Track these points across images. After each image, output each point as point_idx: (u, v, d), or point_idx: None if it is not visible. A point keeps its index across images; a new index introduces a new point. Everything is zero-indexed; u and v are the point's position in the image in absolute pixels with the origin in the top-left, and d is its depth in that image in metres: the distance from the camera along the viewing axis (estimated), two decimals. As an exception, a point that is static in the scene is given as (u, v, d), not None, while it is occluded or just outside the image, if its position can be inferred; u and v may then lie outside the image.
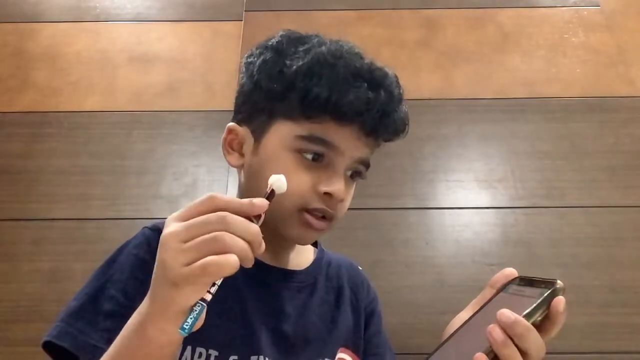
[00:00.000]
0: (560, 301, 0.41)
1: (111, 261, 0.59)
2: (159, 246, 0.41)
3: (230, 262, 0.38)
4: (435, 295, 1.06)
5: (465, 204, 1.16)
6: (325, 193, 0.58)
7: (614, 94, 1.28)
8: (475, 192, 1.18)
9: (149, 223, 0.68)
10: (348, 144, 0.59)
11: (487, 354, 0.40)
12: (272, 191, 0.44)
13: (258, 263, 0.63)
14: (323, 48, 0.60)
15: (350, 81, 0.58)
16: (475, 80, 1.31)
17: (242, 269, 0.62)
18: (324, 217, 0.60)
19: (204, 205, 0.40)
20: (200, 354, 0.56)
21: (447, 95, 1.29)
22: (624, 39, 1.36)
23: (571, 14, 1.41)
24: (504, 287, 0.48)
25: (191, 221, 0.39)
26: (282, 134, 0.59)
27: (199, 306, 0.39)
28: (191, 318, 0.39)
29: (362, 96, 0.57)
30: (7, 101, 1.28)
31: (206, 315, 0.56)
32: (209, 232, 0.38)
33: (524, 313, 0.40)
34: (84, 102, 1.27)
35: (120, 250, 0.60)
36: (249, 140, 0.62)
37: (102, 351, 0.49)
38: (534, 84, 1.30)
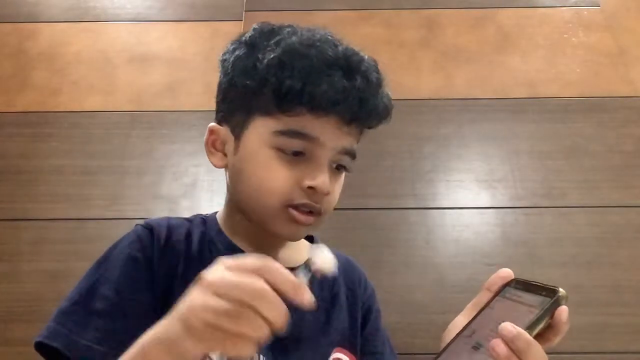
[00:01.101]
0: (563, 311, 0.41)
1: (103, 260, 0.58)
2: (196, 282, 0.40)
3: (244, 353, 0.38)
4: (435, 295, 1.06)
5: (465, 204, 1.16)
6: (310, 187, 0.57)
7: (614, 94, 1.28)
8: (475, 192, 1.18)
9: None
10: (328, 135, 0.57)
11: None
12: (311, 268, 0.41)
13: None
14: (294, 38, 0.58)
15: (324, 70, 0.56)
16: (475, 80, 1.31)
17: None
18: (311, 211, 0.59)
19: (256, 266, 0.39)
20: None
21: (447, 95, 1.29)
22: (624, 39, 1.36)
23: (571, 14, 1.41)
24: (500, 290, 0.47)
25: (235, 279, 0.38)
26: (260, 130, 0.58)
27: None
28: None
29: (337, 85, 0.56)
30: (7, 101, 1.28)
31: None
32: (243, 300, 0.37)
33: (527, 325, 0.39)
34: (84, 102, 1.27)
35: (112, 249, 0.59)
36: (230, 139, 0.61)
37: (95, 351, 0.49)
38: (534, 84, 1.30)
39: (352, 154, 0.62)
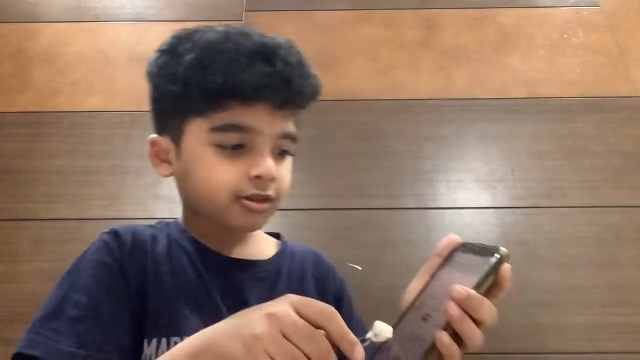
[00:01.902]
0: (507, 268, 0.44)
1: (72, 270, 0.59)
2: (265, 311, 0.41)
3: None
4: (435, 295, 1.06)
5: (465, 204, 1.16)
6: (256, 176, 0.58)
7: (614, 94, 1.28)
8: (475, 192, 1.18)
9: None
10: (263, 122, 0.59)
11: (446, 329, 0.41)
12: (370, 340, 0.42)
13: (218, 256, 0.65)
14: (209, 36, 0.60)
15: (243, 61, 0.57)
16: (475, 80, 1.31)
17: (203, 262, 0.62)
18: (265, 199, 0.60)
19: (320, 315, 0.40)
20: (176, 343, 0.56)
21: (447, 95, 1.29)
22: (624, 39, 1.36)
23: (571, 14, 1.41)
24: (450, 255, 0.50)
25: (300, 323, 0.40)
26: (196, 132, 0.59)
27: None
28: None
29: (258, 72, 0.57)
30: (7, 101, 1.28)
31: (178, 309, 0.57)
32: (302, 348, 0.39)
33: (475, 285, 0.42)
34: (84, 102, 1.27)
35: (79, 259, 0.60)
36: (171, 147, 0.63)
37: (76, 355, 0.49)
38: (534, 84, 1.30)
39: (292, 137, 0.63)
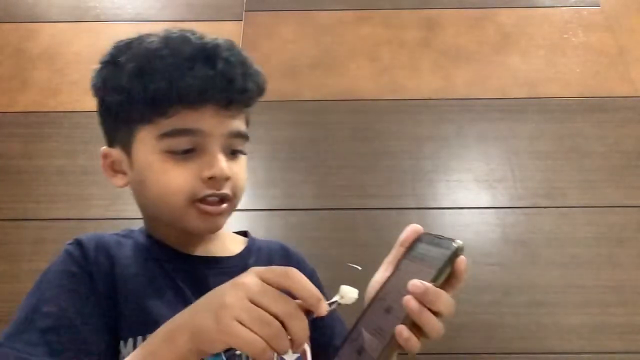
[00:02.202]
0: (462, 261, 0.46)
1: (39, 283, 0.59)
2: (230, 282, 0.43)
3: (262, 357, 0.40)
4: (435, 295, 1.06)
5: (465, 204, 1.16)
6: (209, 178, 0.58)
7: (614, 94, 1.28)
8: (475, 192, 1.18)
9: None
10: (211, 124, 0.59)
11: (405, 323, 0.43)
12: (337, 303, 0.45)
13: (184, 255, 0.65)
14: (148, 44, 0.60)
15: (184, 65, 0.57)
16: (475, 80, 1.31)
17: (169, 262, 0.63)
18: (222, 199, 0.61)
19: (283, 277, 0.42)
20: None
21: (447, 95, 1.29)
22: (624, 39, 1.36)
23: (571, 14, 1.41)
24: (412, 246, 0.51)
25: (266, 288, 0.42)
26: (145, 140, 0.59)
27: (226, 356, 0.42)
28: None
29: (200, 75, 0.57)
30: (7, 101, 1.28)
31: (151, 307, 0.58)
32: (271, 311, 0.41)
33: (432, 278, 0.44)
34: (84, 102, 1.27)
35: (46, 272, 0.60)
36: (123, 157, 0.63)
37: None
38: (534, 84, 1.30)
39: (242, 136, 0.63)
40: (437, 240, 0.48)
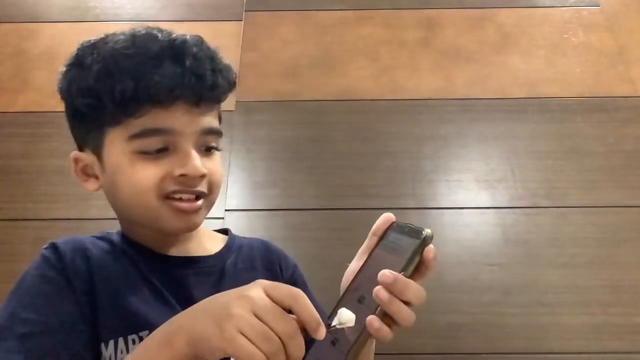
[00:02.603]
0: (430, 250, 0.47)
1: (15, 289, 0.58)
2: (236, 293, 0.44)
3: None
4: (435, 295, 1.06)
5: (465, 204, 1.16)
6: (181, 175, 0.57)
7: (614, 94, 1.28)
8: (475, 192, 1.18)
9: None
10: (182, 122, 0.58)
11: (377, 313, 0.45)
12: (335, 326, 0.45)
13: (160, 256, 0.65)
14: (114, 43, 0.59)
15: (151, 64, 0.56)
16: (475, 80, 1.31)
17: (146, 262, 0.63)
18: (198, 196, 0.60)
19: (289, 297, 0.43)
20: (134, 341, 0.56)
21: (447, 95, 1.29)
22: (624, 39, 1.36)
23: (571, 14, 1.41)
24: (384, 235, 0.52)
25: (271, 305, 0.42)
26: (116, 142, 0.58)
27: None
28: None
29: (167, 73, 0.56)
30: (7, 101, 1.28)
31: (130, 308, 0.57)
32: (274, 329, 0.41)
33: (401, 268, 0.46)
34: (84, 102, 1.27)
35: (22, 278, 0.59)
36: (95, 161, 0.62)
37: None
38: (534, 84, 1.30)
39: (215, 132, 0.62)
40: (407, 229, 0.49)
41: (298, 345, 0.42)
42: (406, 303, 0.45)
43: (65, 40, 1.38)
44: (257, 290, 0.43)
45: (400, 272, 0.45)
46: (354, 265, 0.55)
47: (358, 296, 0.48)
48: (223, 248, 0.71)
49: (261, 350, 0.40)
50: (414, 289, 0.46)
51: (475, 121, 1.26)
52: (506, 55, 1.35)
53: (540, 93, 1.29)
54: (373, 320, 0.44)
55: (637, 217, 1.14)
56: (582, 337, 1.03)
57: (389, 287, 0.45)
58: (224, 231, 0.76)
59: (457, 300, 1.06)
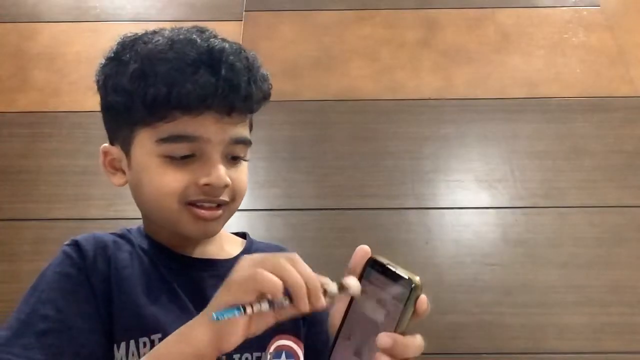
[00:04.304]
0: (423, 301, 0.46)
1: (36, 285, 0.58)
2: (230, 275, 0.46)
3: (277, 284, 0.42)
4: (435, 295, 1.05)
5: (465, 204, 1.16)
6: (205, 184, 0.57)
7: (614, 94, 1.28)
8: (475, 192, 1.18)
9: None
10: (211, 131, 0.57)
11: None
12: (325, 291, 0.45)
13: (180, 256, 0.65)
14: (153, 44, 0.58)
15: (187, 70, 0.56)
16: (475, 80, 1.31)
17: (165, 263, 0.63)
18: (219, 204, 0.60)
19: (288, 257, 0.45)
20: (145, 344, 0.56)
21: (447, 95, 1.29)
22: (624, 39, 1.36)
23: (571, 14, 1.41)
24: (363, 272, 0.48)
25: (269, 255, 0.45)
26: (144, 142, 0.59)
27: (237, 308, 0.42)
28: (227, 311, 0.42)
29: (201, 82, 0.55)
30: (7, 101, 1.28)
31: (144, 310, 0.57)
32: (279, 272, 0.43)
33: (396, 324, 0.44)
34: (84, 102, 1.27)
35: (43, 274, 0.60)
36: (123, 156, 0.62)
37: None
38: (534, 84, 1.30)
39: (243, 142, 0.61)
40: (389, 272, 0.46)
41: (305, 268, 0.44)
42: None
43: (65, 40, 1.38)
44: (246, 262, 0.45)
45: (395, 331, 0.44)
46: (338, 306, 0.52)
47: (354, 348, 0.47)
48: (241, 252, 0.71)
49: (266, 286, 0.42)
50: (413, 347, 0.45)
51: (475, 121, 1.26)
52: (506, 55, 1.35)
53: (540, 93, 1.29)
54: None
55: (637, 217, 1.14)
56: (582, 337, 1.03)
57: (389, 352, 0.43)
58: (242, 235, 0.76)
59: (457, 300, 1.06)
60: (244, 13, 1.41)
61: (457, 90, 1.30)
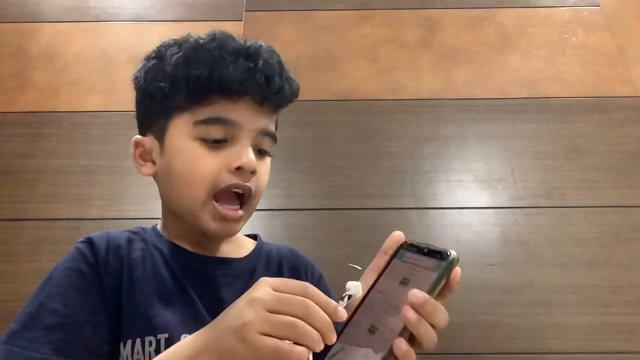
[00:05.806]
0: (457, 272, 0.47)
1: (47, 279, 0.59)
2: (244, 299, 0.45)
3: (299, 354, 0.42)
4: (435, 295, 1.06)
5: (465, 204, 1.16)
6: (237, 168, 0.60)
7: (614, 94, 1.28)
8: (475, 192, 1.18)
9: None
10: (245, 116, 0.61)
11: (402, 335, 0.43)
12: (349, 296, 0.46)
13: (193, 255, 0.66)
14: (196, 38, 0.64)
15: (228, 58, 0.60)
16: (475, 80, 1.31)
17: (178, 262, 0.64)
18: (240, 204, 0.62)
19: (295, 287, 0.44)
20: (150, 343, 0.56)
21: (447, 95, 1.29)
22: (624, 39, 1.36)
23: (571, 14, 1.41)
24: (396, 253, 0.50)
25: (280, 295, 0.44)
26: (181, 126, 0.61)
27: None
28: None
29: (241, 67, 0.60)
30: (7, 101, 1.28)
31: (152, 309, 0.58)
32: (291, 314, 0.43)
33: (429, 289, 0.44)
34: (84, 102, 1.27)
35: (55, 269, 0.60)
36: (155, 145, 0.65)
37: None
38: (534, 84, 1.30)
39: (271, 136, 0.65)
40: (427, 249, 0.47)
41: (322, 318, 0.43)
42: (432, 325, 0.44)
43: (65, 40, 1.38)
44: (264, 288, 0.44)
45: (427, 292, 0.43)
46: (362, 284, 0.53)
47: (369, 325, 0.46)
48: (252, 252, 0.72)
49: (288, 339, 0.41)
50: (441, 312, 0.44)
51: (475, 121, 1.26)
52: (506, 55, 1.35)
53: (540, 93, 1.29)
54: (401, 342, 0.42)
55: (637, 217, 1.14)
56: (582, 337, 1.03)
57: (418, 308, 0.43)
58: (253, 236, 0.77)
59: (457, 301, 1.06)
60: (244, 13, 1.41)
61: (457, 90, 1.30)
